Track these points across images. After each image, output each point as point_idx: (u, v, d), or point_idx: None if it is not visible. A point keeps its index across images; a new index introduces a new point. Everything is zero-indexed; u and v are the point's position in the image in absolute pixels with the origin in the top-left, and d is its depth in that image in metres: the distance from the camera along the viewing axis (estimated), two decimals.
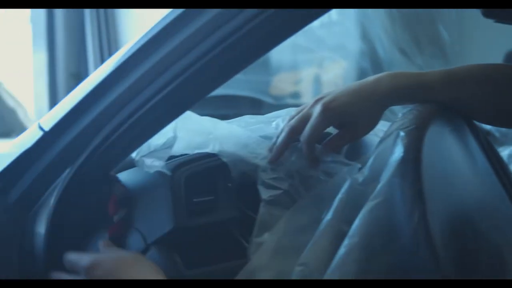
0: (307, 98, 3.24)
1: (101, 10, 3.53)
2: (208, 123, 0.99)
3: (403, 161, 0.83)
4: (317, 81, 3.23)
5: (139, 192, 0.93)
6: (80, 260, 0.84)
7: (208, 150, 0.95)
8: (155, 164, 0.90)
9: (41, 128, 0.94)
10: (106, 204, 0.92)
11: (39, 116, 4.24)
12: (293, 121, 0.97)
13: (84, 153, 0.90)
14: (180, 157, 0.96)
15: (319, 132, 0.95)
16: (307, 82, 3.25)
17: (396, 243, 0.79)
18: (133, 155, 0.93)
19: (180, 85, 0.86)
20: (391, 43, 2.68)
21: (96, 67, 3.90)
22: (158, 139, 0.94)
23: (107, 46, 3.88)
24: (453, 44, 2.79)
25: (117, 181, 0.93)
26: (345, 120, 0.96)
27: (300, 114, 0.97)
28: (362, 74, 2.86)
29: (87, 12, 3.52)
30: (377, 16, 2.77)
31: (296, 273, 0.82)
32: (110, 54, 3.90)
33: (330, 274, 0.79)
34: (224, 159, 0.95)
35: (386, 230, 0.80)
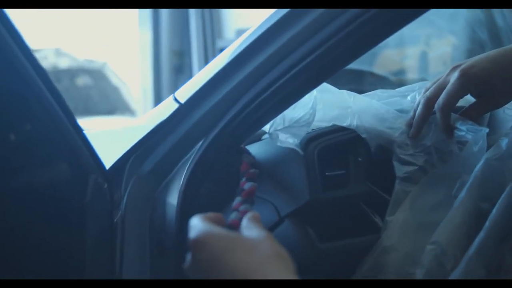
0: (412, 75, 3.16)
1: None
2: (345, 96, 0.98)
3: None
4: (423, 58, 3.14)
5: (269, 165, 0.93)
6: (191, 229, 0.66)
7: (346, 123, 0.94)
8: (289, 140, 0.89)
9: (176, 101, 0.95)
10: (237, 177, 0.93)
11: (143, 94, 4.36)
12: (429, 91, 0.94)
13: (218, 126, 0.91)
14: (313, 131, 0.95)
15: (455, 99, 0.92)
16: (413, 58, 3.17)
17: None
18: (266, 127, 0.93)
19: (313, 60, 0.84)
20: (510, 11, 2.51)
21: (199, 45, 3.95)
22: (294, 112, 0.93)
23: (210, 25, 3.92)
24: None
25: (247, 152, 0.94)
26: (484, 88, 0.92)
27: (436, 84, 0.95)
28: (473, 50, 2.74)
29: None
30: None
31: (427, 252, 0.80)
32: (212, 33, 3.95)
33: (469, 258, 0.76)
34: (362, 134, 0.94)
35: None
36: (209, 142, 0.92)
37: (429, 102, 0.94)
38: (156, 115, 0.97)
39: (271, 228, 0.88)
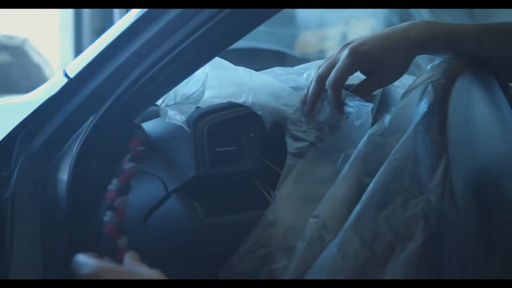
0: None
1: None
2: (242, 73, 0.98)
3: (429, 114, 0.82)
4: (343, 39, 3.19)
5: (162, 141, 0.93)
6: (83, 267, 0.63)
7: (241, 100, 0.94)
8: (177, 117, 0.89)
9: (66, 75, 0.94)
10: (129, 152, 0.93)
11: None
12: (320, 69, 0.96)
13: (108, 101, 0.90)
14: (204, 108, 0.95)
15: (345, 76, 0.93)
16: (333, 39, 3.21)
17: (418, 198, 0.78)
18: (159, 103, 0.93)
19: (202, 35, 0.85)
20: None
21: None
22: (186, 89, 0.93)
23: None
24: None
25: (140, 128, 0.93)
26: (373, 66, 0.94)
27: (327, 61, 0.96)
28: None
29: None
30: None
31: (309, 226, 0.82)
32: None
33: (344, 230, 0.78)
34: (258, 111, 0.95)
35: (408, 186, 0.79)
36: (99, 117, 0.91)
37: (321, 79, 0.96)
38: (46, 91, 0.96)
39: (158, 202, 0.88)
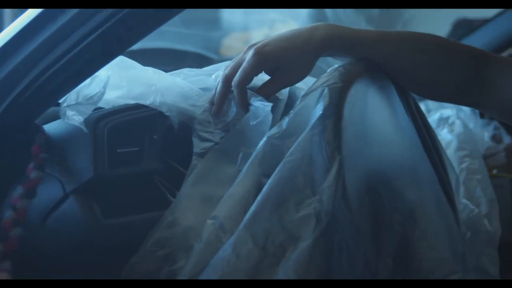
0: None
1: None
2: (150, 73, 0.98)
3: (324, 117, 0.84)
4: None
5: (62, 141, 0.92)
6: None
7: (149, 101, 0.95)
8: (75, 118, 0.89)
9: None
10: (28, 155, 0.91)
11: None
12: (227, 69, 0.97)
13: (6, 101, 0.89)
14: (107, 109, 0.95)
15: (250, 76, 0.95)
16: None
17: (310, 199, 0.80)
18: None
19: (98, 39, 0.84)
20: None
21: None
22: (88, 89, 0.92)
23: None
24: (402, 12, 2.82)
25: (40, 129, 0.92)
26: (277, 66, 0.96)
27: (233, 62, 0.98)
28: None
29: None
30: None
31: (207, 226, 0.83)
32: None
33: (239, 231, 0.79)
34: (166, 112, 0.95)
35: (301, 187, 0.81)
36: None
37: (227, 80, 0.97)
38: None
39: (56, 204, 0.87)
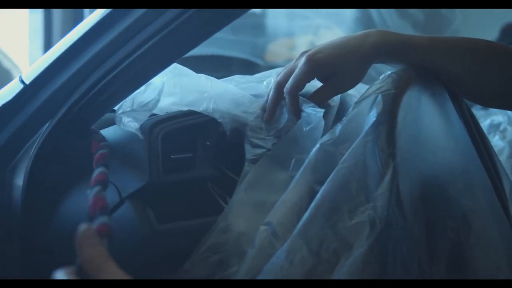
0: None
1: None
2: (203, 80, 0.99)
3: (377, 123, 0.84)
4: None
5: (117, 147, 0.94)
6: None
7: (201, 108, 0.96)
8: (131, 124, 0.90)
9: (22, 82, 0.94)
10: (86, 159, 0.93)
11: None
12: (279, 76, 0.98)
13: (64, 107, 0.91)
14: (161, 115, 0.96)
15: (302, 83, 0.96)
16: (302, 48, 3.24)
17: (364, 206, 0.80)
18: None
19: (158, 43, 0.86)
20: (386, 10, 2.66)
21: None
22: (143, 96, 0.94)
23: None
24: (451, 18, 2.79)
25: (98, 133, 0.94)
26: (329, 72, 0.96)
27: (285, 68, 0.99)
28: None
29: None
30: None
31: (260, 233, 0.83)
32: None
33: (292, 237, 0.80)
34: (218, 118, 0.96)
35: (355, 194, 0.81)
36: (55, 123, 0.92)
37: (279, 86, 0.98)
38: (2, 97, 0.96)
39: (112, 209, 0.89)
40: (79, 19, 3.92)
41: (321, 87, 0.99)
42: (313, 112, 0.93)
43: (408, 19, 2.81)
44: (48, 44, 3.95)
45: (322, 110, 0.93)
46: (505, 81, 1.00)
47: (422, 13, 2.84)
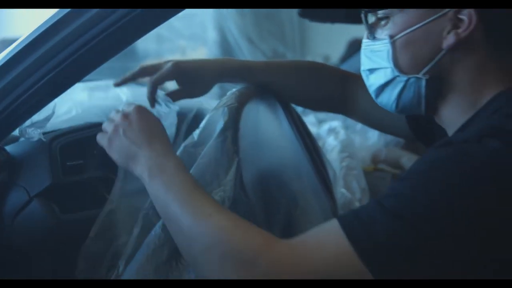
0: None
1: None
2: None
3: (225, 129, 1.12)
4: None
5: (23, 157, 1.18)
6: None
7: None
8: (34, 132, 1.15)
9: None
10: None
11: None
12: (146, 64, 1.23)
13: None
14: (58, 130, 1.22)
15: (163, 80, 1.21)
16: None
17: (217, 190, 1.08)
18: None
19: (55, 75, 1.09)
20: (240, 34, 3.02)
21: None
22: (40, 115, 1.18)
23: None
24: (294, 34, 3.17)
25: (1, 148, 1.18)
26: (185, 80, 1.23)
27: (154, 63, 1.24)
28: None
29: None
30: (228, 10, 3.10)
31: (142, 215, 1.09)
32: None
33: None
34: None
35: (209, 181, 1.08)
36: None
37: (144, 70, 1.23)
38: None
39: (23, 205, 1.13)
40: None
41: (178, 89, 1.26)
42: (171, 106, 1.20)
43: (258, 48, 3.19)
44: None
45: (177, 107, 1.20)
46: (324, 89, 1.33)
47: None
